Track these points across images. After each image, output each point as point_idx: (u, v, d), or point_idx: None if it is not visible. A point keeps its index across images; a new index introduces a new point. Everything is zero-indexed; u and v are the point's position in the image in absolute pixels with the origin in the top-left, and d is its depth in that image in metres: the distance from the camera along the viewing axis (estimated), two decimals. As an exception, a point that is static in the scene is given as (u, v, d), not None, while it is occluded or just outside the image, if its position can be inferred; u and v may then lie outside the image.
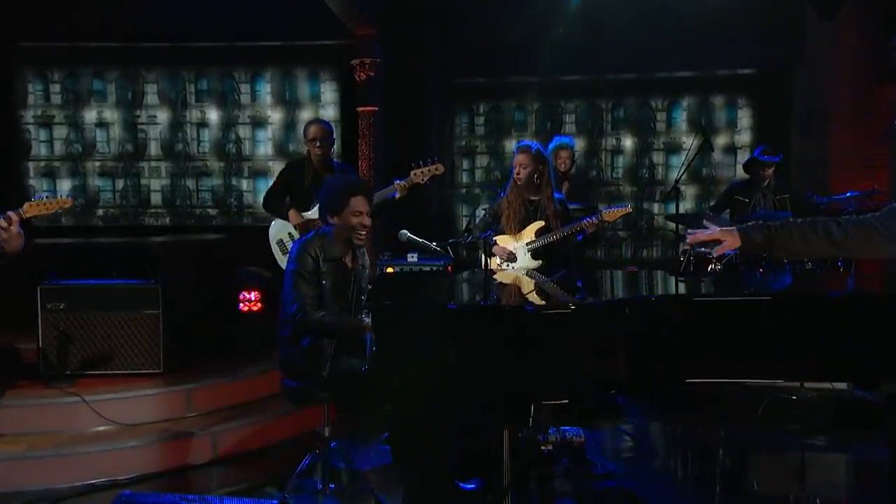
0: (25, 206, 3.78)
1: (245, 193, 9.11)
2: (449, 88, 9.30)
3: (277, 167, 8.53)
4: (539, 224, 5.07)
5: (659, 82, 9.08)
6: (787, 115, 8.78)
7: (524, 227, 5.09)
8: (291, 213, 5.40)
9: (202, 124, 9.08)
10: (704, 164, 9.02)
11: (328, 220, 3.87)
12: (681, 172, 6.40)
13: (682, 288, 4.34)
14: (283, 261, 5.30)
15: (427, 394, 3.12)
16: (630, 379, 3.22)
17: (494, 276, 4.30)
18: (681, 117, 9.13)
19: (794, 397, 5.62)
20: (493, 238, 4.88)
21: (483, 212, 5.47)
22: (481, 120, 9.41)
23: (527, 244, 5.08)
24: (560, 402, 3.14)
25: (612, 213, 5.09)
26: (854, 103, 8.43)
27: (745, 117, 9.02)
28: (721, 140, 9.05)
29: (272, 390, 4.97)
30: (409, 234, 4.09)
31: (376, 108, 8.08)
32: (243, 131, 9.11)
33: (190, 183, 9.09)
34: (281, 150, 9.08)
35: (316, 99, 9.08)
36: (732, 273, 5.34)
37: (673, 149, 9.14)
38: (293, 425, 5.20)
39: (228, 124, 9.08)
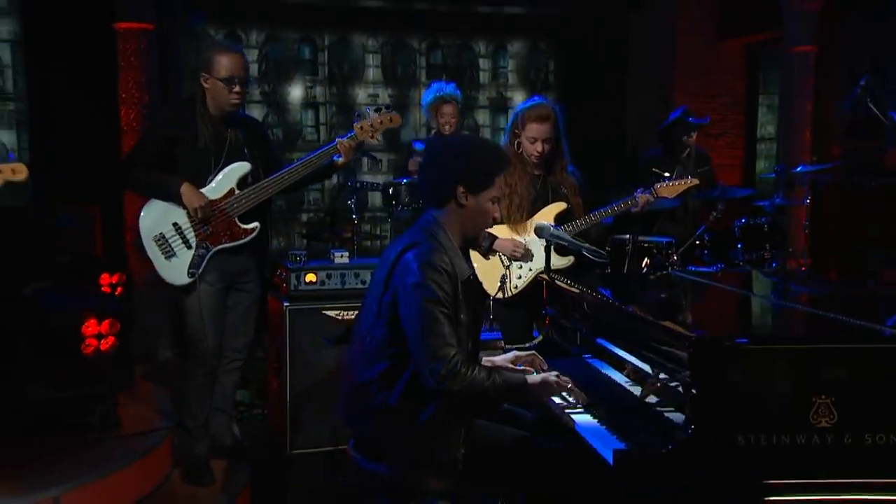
0: None
1: None
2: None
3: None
4: (560, 206, 3.93)
5: (482, 18, 7.18)
6: (622, 71, 7.43)
7: (534, 212, 3.91)
8: (186, 189, 3.37)
9: None
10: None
11: (457, 201, 2.64)
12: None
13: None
14: (169, 269, 3.48)
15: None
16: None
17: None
18: (509, 66, 7.38)
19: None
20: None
21: None
22: (253, 55, 6.79)
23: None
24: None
25: (670, 187, 4.00)
26: (698, 60, 7.46)
27: (559, 71, 7.46)
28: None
29: (151, 482, 3.54)
30: (553, 228, 3.31)
31: (153, 28, 5.27)
32: None
33: None
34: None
35: None
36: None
37: (499, 107, 7.38)
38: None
39: None
